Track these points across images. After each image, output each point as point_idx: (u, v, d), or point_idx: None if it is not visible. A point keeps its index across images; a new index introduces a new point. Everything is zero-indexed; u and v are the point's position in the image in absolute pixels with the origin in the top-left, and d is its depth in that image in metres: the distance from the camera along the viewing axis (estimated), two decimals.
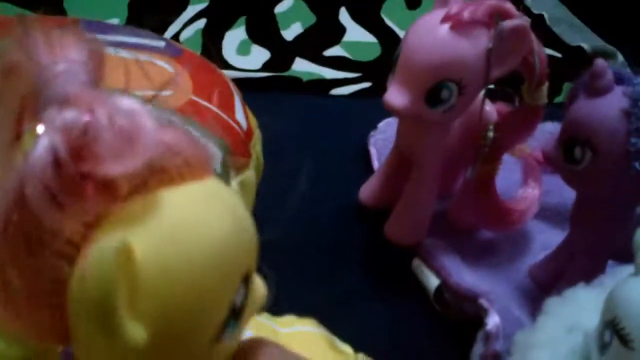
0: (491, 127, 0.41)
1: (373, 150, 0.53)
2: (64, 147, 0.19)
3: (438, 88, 0.37)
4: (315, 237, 0.48)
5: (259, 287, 0.23)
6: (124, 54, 0.35)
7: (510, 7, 0.37)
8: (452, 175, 0.48)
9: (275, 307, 0.26)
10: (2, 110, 0.20)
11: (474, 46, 0.37)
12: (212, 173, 0.22)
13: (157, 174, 0.20)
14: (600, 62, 0.35)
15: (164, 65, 0.36)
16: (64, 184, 0.19)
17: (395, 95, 0.37)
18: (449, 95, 0.37)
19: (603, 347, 0.28)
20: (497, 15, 0.37)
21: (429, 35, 0.37)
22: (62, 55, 0.20)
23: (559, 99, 0.60)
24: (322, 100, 0.60)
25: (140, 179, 0.20)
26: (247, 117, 0.40)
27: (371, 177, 0.49)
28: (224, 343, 0.21)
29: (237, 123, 0.38)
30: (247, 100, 0.44)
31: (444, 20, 0.37)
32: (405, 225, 0.46)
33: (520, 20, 0.37)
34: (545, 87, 0.41)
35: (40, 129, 0.19)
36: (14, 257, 0.19)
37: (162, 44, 0.38)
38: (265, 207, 0.41)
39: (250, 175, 0.38)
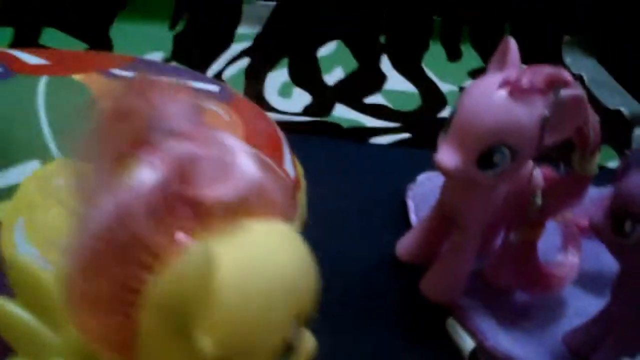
0: (539, 193, 0.41)
1: (411, 204, 0.53)
2: (173, 171, 0.21)
3: (491, 152, 0.37)
4: (349, 288, 0.47)
5: (310, 338, 0.24)
6: None
7: (567, 75, 0.37)
8: (492, 236, 0.47)
9: None
10: (111, 146, 0.22)
11: (529, 113, 0.36)
12: (289, 216, 0.24)
13: (246, 207, 0.22)
14: None
15: (219, 111, 0.36)
16: (166, 202, 0.21)
17: (448, 156, 0.37)
18: (501, 160, 0.37)
19: None
20: (554, 84, 0.36)
21: (486, 99, 0.37)
22: (174, 99, 0.23)
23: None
24: (362, 148, 0.60)
25: (231, 209, 0.22)
26: (295, 166, 0.40)
27: (409, 231, 0.49)
28: None
29: (286, 173, 0.38)
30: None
31: (502, 85, 0.36)
32: (443, 283, 0.45)
33: (578, 90, 0.37)
34: (596, 157, 0.40)
35: (151, 155, 0.21)
36: (104, 264, 0.21)
37: (216, 88, 0.39)
38: None
39: (296, 227, 0.38)
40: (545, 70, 0.37)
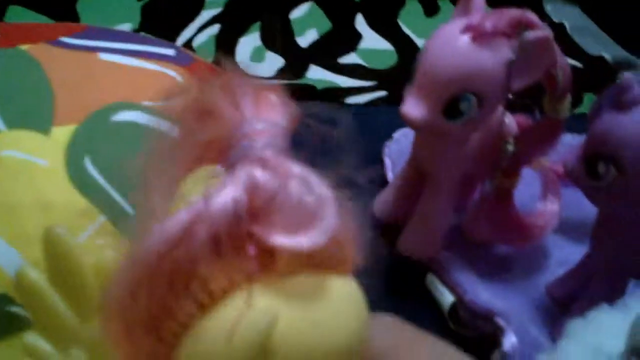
0: (511, 140, 0.40)
1: (388, 161, 0.52)
2: (246, 203, 0.19)
3: (457, 100, 0.36)
4: None
5: None
6: (133, 61, 0.34)
7: (533, 17, 0.36)
8: (468, 189, 0.46)
9: None
10: (187, 148, 0.20)
11: (495, 57, 0.35)
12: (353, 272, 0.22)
13: (316, 260, 0.20)
14: (627, 76, 0.34)
15: (173, 74, 0.35)
16: (232, 236, 0.19)
17: (413, 107, 0.36)
18: (468, 108, 0.36)
19: None
20: (520, 26, 0.35)
21: (449, 46, 0.36)
22: (267, 116, 0.20)
23: (579, 110, 0.59)
24: (337, 108, 0.59)
25: (301, 259, 0.20)
26: None
27: (385, 189, 0.48)
28: None
29: None
30: None
31: (465, 30, 0.35)
32: (419, 239, 0.45)
33: (543, 32, 0.36)
34: (568, 100, 0.39)
35: (228, 178, 0.19)
36: (155, 287, 0.19)
37: (172, 52, 0.38)
38: None
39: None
40: (510, 13, 0.36)
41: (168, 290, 0.19)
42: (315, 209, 0.19)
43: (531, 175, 0.47)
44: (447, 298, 0.43)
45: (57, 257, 0.25)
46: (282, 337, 0.19)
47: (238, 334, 0.18)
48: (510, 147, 0.40)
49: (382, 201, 0.48)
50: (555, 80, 0.38)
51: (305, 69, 0.62)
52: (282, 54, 0.63)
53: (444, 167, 0.41)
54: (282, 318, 0.19)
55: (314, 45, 0.65)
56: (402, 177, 0.46)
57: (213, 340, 0.19)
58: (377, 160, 0.53)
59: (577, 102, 0.60)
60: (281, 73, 0.61)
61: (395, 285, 0.45)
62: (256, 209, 0.19)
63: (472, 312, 0.41)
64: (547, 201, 0.46)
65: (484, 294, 0.42)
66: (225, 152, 0.20)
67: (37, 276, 0.25)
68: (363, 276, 0.45)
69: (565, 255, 0.45)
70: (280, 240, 0.19)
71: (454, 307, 0.42)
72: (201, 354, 0.19)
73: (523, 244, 0.45)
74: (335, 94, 0.60)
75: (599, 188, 0.36)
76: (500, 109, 0.39)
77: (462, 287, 0.42)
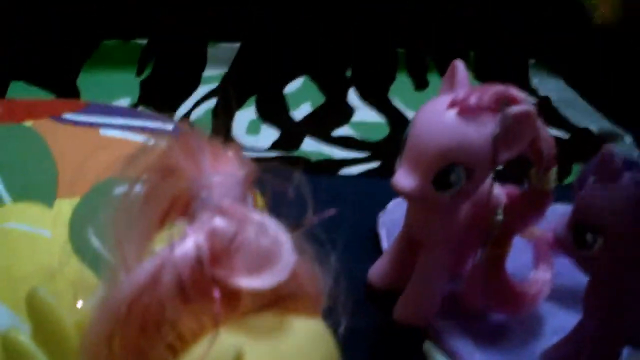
0: (500, 210, 0.41)
1: (383, 231, 0.53)
2: (208, 249, 0.20)
3: (446, 172, 0.37)
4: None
5: None
6: (133, 136, 0.35)
7: (516, 92, 0.38)
8: (462, 257, 0.47)
9: None
10: (153, 204, 0.22)
11: (480, 131, 0.37)
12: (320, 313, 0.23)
13: (280, 300, 0.21)
14: (608, 147, 0.35)
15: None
16: (197, 281, 0.20)
17: (404, 178, 0.37)
18: (457, 179, 0.37)
19: None
20: (503, 101, 0.37)
21: (436, 120, 0.37)
22: (223, 169, 0.22)
23: (569, 180, 0.60)
24: (331, 180, 0.60)
25: (264, 298, 0.21)
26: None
27: (380, 257, 0.49)
28: None
29: None
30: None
31: (451, 105, 0.37)
32: (415, 306, 0.45)
33: (525, 106, 0.37)
34: (553, 171, 0.41)
35: (189, 227, 0.20)
36: (127, 334, 0.20)
37: (170, 127, 0.39)
38: None
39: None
40: (493, 89, 0.37)
41: (140, 336, 0.20)
42: (273, 250, 0.20)
43: (524, 244, 0.48)
44: None
45: (40, 318, 0.26)
46: None
47: None
48: (500, 217, 0.41)
49: (377, 269, 0.48)
50: (540, 153, 0.39)
51: (300, 140, 0.63)
52: (277, 127, 0.65)
53: (436, 235, 0.42)
54: (248, 354, 0.19)
55: (308, 118, 0.67)
56: (397, 246, 0.47)
57: None
58: (370, 230, 0.53)
59: (565, 172, 0.61)
60: (276, 145, 0.63)
61: (393, 353, 0.45)
62: (217, 254, 0.20)
63: None
64: (540, 269, 0.47)
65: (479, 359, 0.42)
66: (188, 206, 0.22)
67: (24, 338, 0.26)
68: (359, 346, 0.45)
69: (560, 323, 0.46)
70: (242, 281, 0.20)
71: None
72: None
73: (517, 312, 0.46)
74: (329, 166, 0.61)
75: (588, 257, 0.37)
76: (489, 180, 0.40)
77: (459, 354, 0.43)
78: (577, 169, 0.63)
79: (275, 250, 0.20)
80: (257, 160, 0.60)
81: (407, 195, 0.38)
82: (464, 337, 0.44)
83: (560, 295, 0.48)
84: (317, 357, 0.21)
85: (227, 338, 0.19)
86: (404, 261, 0.46)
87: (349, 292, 0.47)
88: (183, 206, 0.22)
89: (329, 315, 0.24)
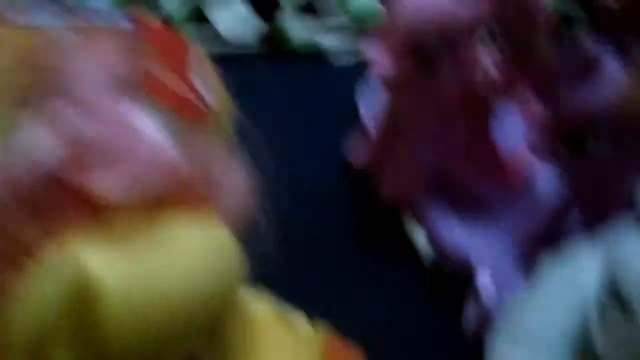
0: None
1: (363, 108, 0.51)
2: (60, 151, 0.17)
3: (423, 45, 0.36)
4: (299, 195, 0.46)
5: None
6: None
7: None
8: (449, 131, 0.46)
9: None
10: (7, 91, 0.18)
11: None
12: (222, 209, 0.20)
13: (163, 203, 0.18)
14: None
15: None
16: (46, 189, 0.17)
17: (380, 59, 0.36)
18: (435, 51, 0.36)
19: (602, 309, 0.26)
20: None
21: None
22: (98, 58, 0.19)
23: None
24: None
25: (139, 205, 0.18)
26: (215, 90, 0.37)
27: (362, 137, 0.48)
28: None
29: (197, 93, 0.35)
30: None
31: None
32: (399, 184, 0.45)
33: None
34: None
35: (40, 122, 0.17)
36: None
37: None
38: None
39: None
40: None
41: None
42: (138, 147, 0.18)
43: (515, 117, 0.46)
44: (423, 239, 0.43)
45: None
46: (111, 292, 0.17)
47: (47, 290, 0.16)
48: None
49: (359, 149, 0.47)
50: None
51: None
52: None
53: (420, 111, 0.41)
54: (107, 270, 0.17)
55: None
56: (381, 129, 0.45)
57: (31, 300, 0.17)
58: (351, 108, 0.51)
59: None
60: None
61: (375, 232, 0.45)
62: (70, 155, 0.17)
63: (448, 252, 0.42)
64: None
65: (458, 233, 0.43)
66: (40, 101, 0.18)
67: None
68: (340, 226, 0.44)
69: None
70: (100, 184, 0.17)
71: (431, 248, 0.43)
72: (24, 316, 0.17)
73: (506, 183, 0.45)
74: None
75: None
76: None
77: (437, 227, 0.43)
78: None
79: (140, 145, 0.18)
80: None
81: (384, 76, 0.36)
82: (446, 211, 0.44)
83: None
84: (198, 270, 0.18)
85: (80, 252, 0.17)
86: (388, 143, 0.45)
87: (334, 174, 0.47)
88: (39, 98, 0.19)
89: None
